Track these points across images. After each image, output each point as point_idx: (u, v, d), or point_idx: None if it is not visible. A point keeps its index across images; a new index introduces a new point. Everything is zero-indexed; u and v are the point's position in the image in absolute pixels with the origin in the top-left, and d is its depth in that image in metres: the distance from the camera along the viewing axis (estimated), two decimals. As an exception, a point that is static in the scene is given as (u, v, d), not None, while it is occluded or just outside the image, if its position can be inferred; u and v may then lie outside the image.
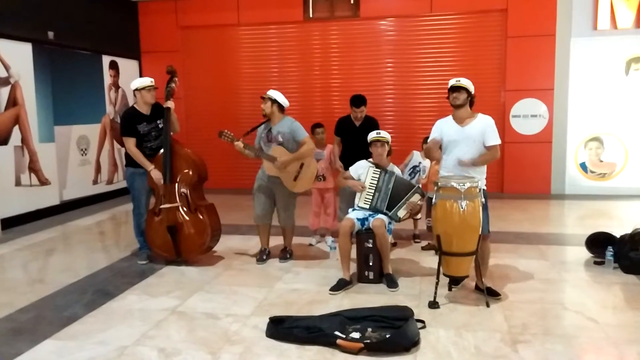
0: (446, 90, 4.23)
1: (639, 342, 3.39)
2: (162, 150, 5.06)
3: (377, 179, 4.59)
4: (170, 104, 5.10)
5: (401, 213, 4.52)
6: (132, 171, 5.16)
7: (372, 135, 4.68)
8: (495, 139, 4.14)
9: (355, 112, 5.46)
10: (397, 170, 4.73)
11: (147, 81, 5.09)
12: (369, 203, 4.57)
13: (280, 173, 4.95)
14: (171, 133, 5.11)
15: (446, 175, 4.17)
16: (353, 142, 5.35)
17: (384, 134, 4.65)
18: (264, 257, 5.21)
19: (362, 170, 4.67)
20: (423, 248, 5.53)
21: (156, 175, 4.98)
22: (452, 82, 4.17)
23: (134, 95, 5.16)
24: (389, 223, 4.51)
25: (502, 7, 8.56)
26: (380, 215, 4.48)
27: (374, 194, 4.57)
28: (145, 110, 5.11)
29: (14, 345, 3.45)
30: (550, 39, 8.44)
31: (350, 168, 4.79)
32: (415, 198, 4.50)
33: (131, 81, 5.26)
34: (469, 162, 4.10)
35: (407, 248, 5.63)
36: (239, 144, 4.91)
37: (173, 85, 5.21)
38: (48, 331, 3.66)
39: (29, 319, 3.93)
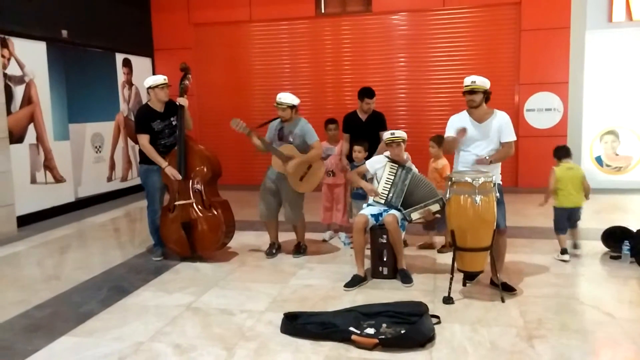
0: (459, 85, 4.20)
1: (658, 337, 3.35)
2: (176, 147, 5.08)
3: (394, 173, 4.56)
4: (183, 101, 5.11)
5: (414, 215, 4.45)
6: (146, 168, 5.18)
7: (387, 137, 4.60)
8: (510, 136, 4.14)
9: (368, 104, 5.44)
10: (414, 167, 4.70)
11: (160, 79, 5.10)
12: (385, 198, 4.55)
13: (286, 170, 4.99)
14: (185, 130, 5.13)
15: (461, 170, 4.14)
16: (360, 137, 5.34)
17: (399, 134, 4.56)
18: (273, 251, 5.24)
19: (379, 165, 4.64)
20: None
21: (171, 172, 4.99)
22: (466, 82, 4.10)
23: (148, 93, 5.19)
24: (402, 219, 4.48)
25: (515, 0, 8.47)
26: (393, 211, 4.46)
27: (390, 188, 4.54)
28: (159, 107, 5.13)
29: (30, 342, 3.49)
30: (565, 31, 8.32)
31: (366, 162, 4.77)
32: (435, 207, 4.40)
33: (144, 79, 5.28)
34: (485, 161, 4.05)
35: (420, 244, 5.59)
36: (256, 139, 4.97)
37: (187, 82, 5.23)
38: (64, 328, 3.70)
39: (45, 315, 3.97)
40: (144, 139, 5.06)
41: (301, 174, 5.04)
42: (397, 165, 4.58)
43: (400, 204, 4.50)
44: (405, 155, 4.95)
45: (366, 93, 5.48)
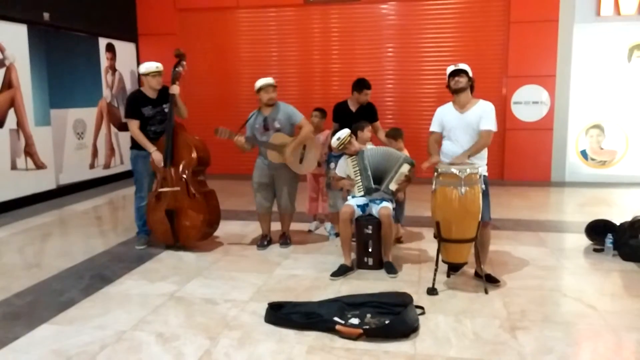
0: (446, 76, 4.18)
1: (638, 329, 3.39)
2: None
3: (355, 163, 4.58)
4: (175, 89, 5.04)
5: (392, 186, 4.46)
6: (136, 153, 5.16)
7: (335, 145, 4.59)
8: (488, 124, 4.03)
9: (366, 95, 5.37)
10: (369, 145, 4.69)
11: (152, 67, 5.02)
12: (362, 189, 4.54)
13: (285, 159, 4.95)
14: (177, 117, 5.11)
15: (446, 161, 4.13)
16: (349, 127, 5.30)
17: (342, 137, 4.54)
18: (265, 243, 5.20)
19: (345, 167, 4.67)
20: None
21: (157, 157, 4.95)
22: (451, 67, 4.12)
23: (139, 79, 5.12)
24: (392, 209, 4.47)
25: (504, -8, 8.48)
26: (384, 203, 4.43)
27: (360, 177, 4.55)
28: (151, 94, 5.09)
29: (10, 330, 3.43)
30: (553, 24, 8.35)
31: (337, 170, 4.76)
32: (405, 168, 4.44)
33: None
34: (462, 158, 4.02)
35: (405, 235, 5.60)
36: (240, 139, 4.87)
37: (180, 69, 5.14)
38: (45, 316, 3.64)
39: (26, 303, 3.90)
40: (134, 124, 5.02)
41: (300, 157, 5.04)
42: (354, 157, 4.59)
43: (372, 182, 4.48)
44: (358, 145, 4.74)
45: (365, 84, 5.40)
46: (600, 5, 8.15)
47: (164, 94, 5.09)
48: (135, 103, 5.05)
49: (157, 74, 5.02)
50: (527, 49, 8.44)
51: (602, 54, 8.32)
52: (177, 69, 5.12)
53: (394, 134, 5.08)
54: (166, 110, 5.09)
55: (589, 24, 8.27)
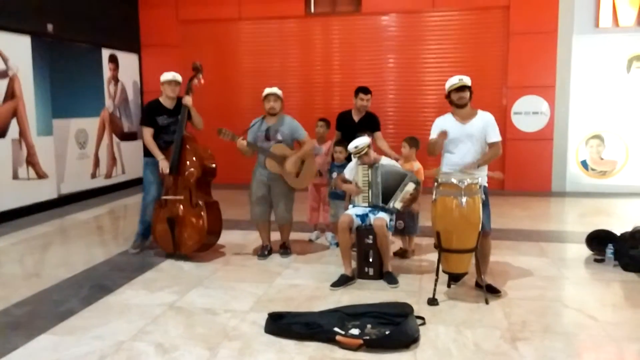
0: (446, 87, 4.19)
1: (639, 340, 3.37)
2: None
3: (367, 175, 4.57)
4: (187, 100, 5.14)
5: (397, 205, 4.46)
6: (146, 161, 5.32)
7: (352, 151, 4.60)
8: (496, 136, 4.13)
9: (362, 99, 5.37)
10: (385, 161, 4.69)
11: (168, 76, 5.15)
12: (367, 200, 4.55)
13: (282, 170, 4.95)
14: (191, 129, 5.24)
15: (446, 171, 4.14)
16: (351, 137, 5.31)
17: (360, 145, 4.52)
18: (265, 253, 5.19)
19: (354, 172, 4.67)
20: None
21: (163, 165, 5.03)
22: (454, 81, 4.10)
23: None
24: (390, 220, 4.48)
25: (504, 3, 8.53)
26: (381, 214, 4.44)
27: (369, 190, 4.55)
28: (168, 103, 5.19)
29: (9, 340, 3.42)
30: (552, 36, 8.40)
31: (344, 171, 4.78)
32: (410, 187, 4.43)
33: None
34: (472, 166, 4.05)
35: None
36: (243, 142, 4.90)
37: (195, 81, 5.25)
38: (44, 326, 3.63)
39: (25, 313, 3.90)
40: (147, 132, 5.14)
41: (297, 171, 5.04)
42: (366, 166, 4.59)
43: (381, 201, 4.49)
44: (373, 156, 4.74)
45: (362, 89, 5.45)
46: (599, 16, 8.21)
47: (180, 105, 5.18)
48: (151, 111, 5.18)
49: (171, 82, 5.13)
50: (527, 60, 8.49)
51: (601, 65, 8.36)
52: (192, 80, 5.22)
53: (414, 143, 5.10)
54: None
55: (588, 35, 8.33)
